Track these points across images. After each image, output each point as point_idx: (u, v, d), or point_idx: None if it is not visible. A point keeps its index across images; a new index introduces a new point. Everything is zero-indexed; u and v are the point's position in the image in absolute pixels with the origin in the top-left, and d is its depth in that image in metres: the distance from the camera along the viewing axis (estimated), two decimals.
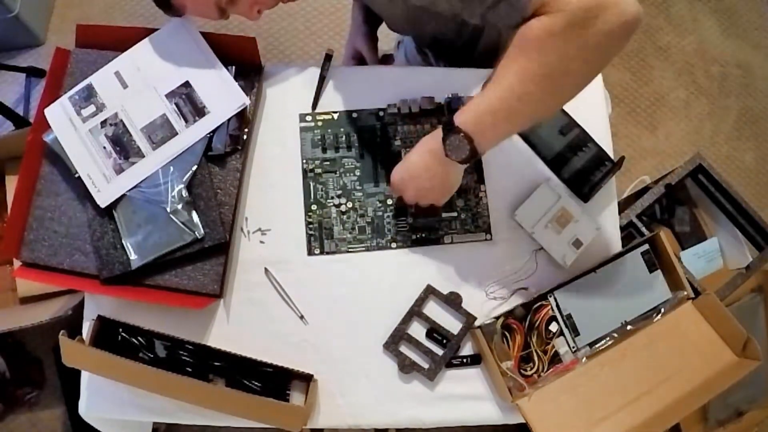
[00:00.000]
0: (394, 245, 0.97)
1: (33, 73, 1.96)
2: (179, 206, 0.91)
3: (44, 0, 2.05)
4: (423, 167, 0.84)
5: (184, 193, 0.91)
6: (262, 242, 0.97)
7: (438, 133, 0.80)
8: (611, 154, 1.02)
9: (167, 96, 0.94)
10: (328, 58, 1.02)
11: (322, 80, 1.02)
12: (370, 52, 1.24)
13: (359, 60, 1.28)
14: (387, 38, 1.33)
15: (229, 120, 0.95)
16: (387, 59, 1.34)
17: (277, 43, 2.10)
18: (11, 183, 1.54)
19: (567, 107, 1.02)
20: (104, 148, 0.93)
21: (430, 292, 0.95)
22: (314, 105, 1.02)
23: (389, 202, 0.98)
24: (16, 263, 0.94)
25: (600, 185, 1.00)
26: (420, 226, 0.97)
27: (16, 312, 1.46)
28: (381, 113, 1.02)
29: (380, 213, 0.98)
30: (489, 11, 0.73)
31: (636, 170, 2.00)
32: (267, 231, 0.97)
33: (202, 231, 0.91)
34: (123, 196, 0.91)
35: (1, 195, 1.55)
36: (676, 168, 1.51)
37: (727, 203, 1.51)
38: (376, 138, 1.01)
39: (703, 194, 1.54)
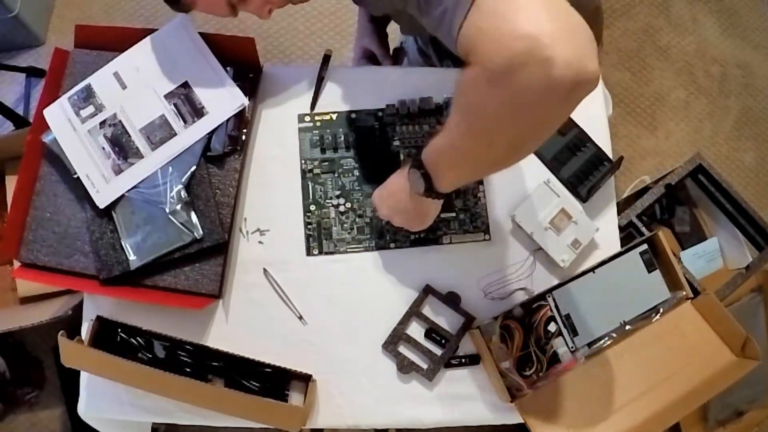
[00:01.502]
0: (392, 245, 0.97)
1: (33, 73, 1.96)
2: (178, 207, 0.91)
3: (44, 0, 2.05)
4: (398, 191, 0.85)
5: (183, 194, 0.91)
6: (260, 243, 0.97)
7: (407, 164, 0.81)
8: (610, 155, 1.02)
9: (166, 97, 0.94)
10: (327, 58, 1.02)
11: (320, 81, 1.02)
12: (380, 48, 1.23)
13: (370, 58, 1.26)
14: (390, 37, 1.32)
15: (227, 120, 0.95)
16: (398, 54, 1.32)
17: (277, 43, 2.10)
18: (11, 183, 1.54)
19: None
20: (103, 148, 0.93)
21: (428, 292, 0.95)
22: (312, 106, 1.02)
23: None
24: (16, 263, 0.94)
25: (599, 185, 1.00)
26: None
27: (16, 312, 1.46)
28: (380, 114, 1.02)
29: None
30: (437, 29, 0.67)
31: (636, 170, 2.00)
32: (266, 231, 0.97)
33: (201, 231, 0.91)
34: (122, 196, 0.91)
35: (1, 195, 1.55)
36: (676, 168, 1.51)
37: (727, 203, 1.50)
38: (374, 138, 1.01)
39: (703, 194, 1.54)
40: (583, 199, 1.00)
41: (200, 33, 0.98)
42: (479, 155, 0.69)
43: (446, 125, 0.71)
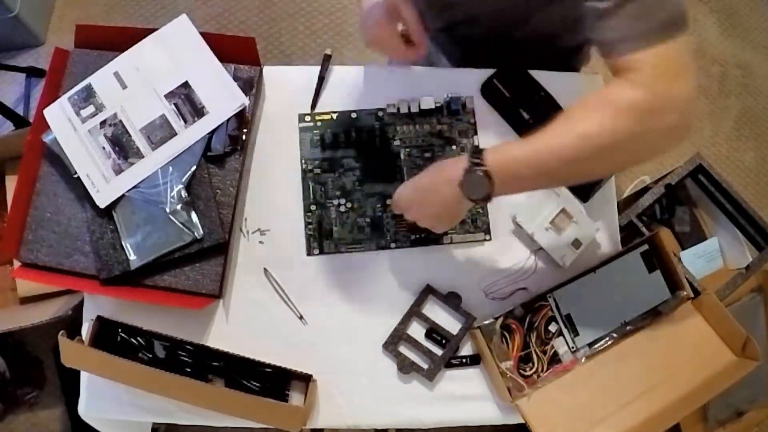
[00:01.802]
0: (393, 245, 0.97)
1: (33, 73, 1.96)
2: (178, 207, 0.91)
3: (44, 0, 2.05)
4: (433, 193, 0.80)
5: (184, 194, 0.91)
6: (261, 243, 0.97)
7: (459, 162, 0.76)
8: None
9: (166, 96, 0.94)
10: (327, 58, 1.02)
11: (321, 81, 1.02)
12: (405, 2, 0.89)
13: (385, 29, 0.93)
14: None
15: (228, 120, 0.95)
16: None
17: (278, 43, 2.10)
18: (11, 183, 1.54)
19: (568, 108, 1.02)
20: (103, 148, 0.93)
21: (429, 292, 0.95)
22: (313, 105, 1.02)
23: (388, 202, 0.98)
24: (16, 263, 0.94)
25: (599, 185, 1.00)
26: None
27: (16, 312, 1.46)
28: (380, 113, 1.02)
29: (379, 213, 0.98)
30: (597, 20, 0.69)
31: (636, 170, 1.99)
32: (266, 231, 0.97)
33: (201, 231, 0.91)
34: (122, 196, 0.91)
35: (1, 195, 1.55)
36: (676, 168, 1.51)
37: (727, 203, 1.50)
38: (375, 138, 1.01)
39: (703, 194, 1.54)
40: (583, 199, 1.00)
41: (201, 33, 0.97)
42: (575, 174, 0.75)
43: (543, 139, 0.72)
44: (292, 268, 0.96)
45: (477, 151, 0.74)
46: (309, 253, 0.97)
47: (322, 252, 0.97)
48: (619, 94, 0.69)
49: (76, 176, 0.92)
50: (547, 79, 1.04)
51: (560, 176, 0.77)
